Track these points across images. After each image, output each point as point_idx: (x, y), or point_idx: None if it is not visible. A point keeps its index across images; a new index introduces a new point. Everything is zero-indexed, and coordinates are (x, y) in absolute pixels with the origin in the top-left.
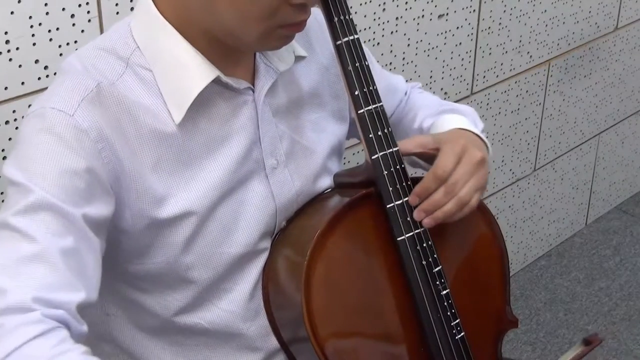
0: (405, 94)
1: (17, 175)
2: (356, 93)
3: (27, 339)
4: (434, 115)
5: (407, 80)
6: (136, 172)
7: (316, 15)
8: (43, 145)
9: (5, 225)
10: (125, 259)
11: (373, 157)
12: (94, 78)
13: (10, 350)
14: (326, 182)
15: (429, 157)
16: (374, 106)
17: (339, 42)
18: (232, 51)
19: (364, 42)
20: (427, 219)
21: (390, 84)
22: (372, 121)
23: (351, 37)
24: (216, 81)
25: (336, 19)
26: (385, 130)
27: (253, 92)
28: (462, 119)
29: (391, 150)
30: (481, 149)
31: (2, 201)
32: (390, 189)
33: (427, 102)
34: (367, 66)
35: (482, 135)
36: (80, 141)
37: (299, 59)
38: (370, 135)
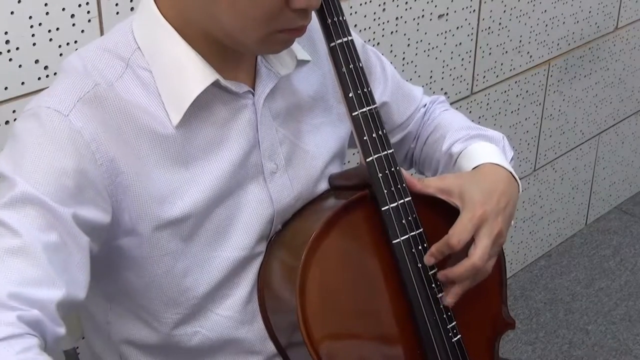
0: (425, 106)
1: (5, 169)
2: (350, 95)
3: None
4: (464, 140)
5: (407, 81)
6: (134, 173)
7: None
8: (34, 143)
9: None
10: (126, 270)
11: (368, 160)
12: (92, 79)
13: None
14: (326, 186)
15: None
16: (368, 108)
17: (332, 44)
18: (233, 54)
19: (365, 42)
20: (450, 297)
21: (404, 91)
22: (366, 123)
23: (345, 39)
24: (215, 84)
25: (330, 20)
26: (380, 133)
27: (253, 95)
28: (492, 148)
29: (386, 152)
30: (504, 207)
31: None
32: (385, 191)
33: (455, 123)
34: (361, 68)
35: (513, 170)
36: (73, 141)
37: (301, 62)
38: (365, 138)
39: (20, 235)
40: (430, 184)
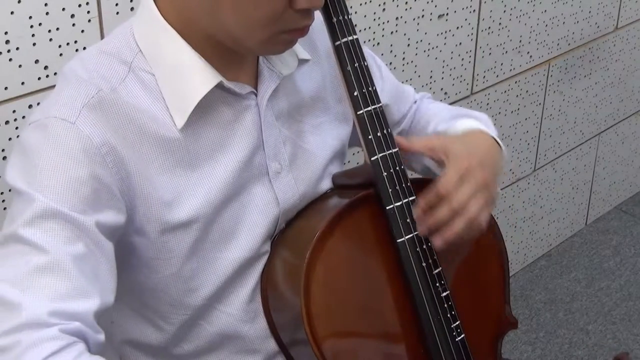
0: (415, 102)
1: (21, 186)
2: (355, 94)
3: (45, 356)
4: (448, 120)
5: (407, 81)
6: (142, 175)
7: (319, 17)
8: (46, 155)
9: (14, 237)
10: (135, 269)
11: (372, 159)
12: (94, 84)
13: None
14: (328, 185)
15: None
16: (373, 107)
17: (337, 43)
18: (235, 55)
19: (364, 42)
20: (438, 239)
21: (400, 91)
22: (371, 122)
23: (350, 38)
24: (219, 86)
25: (335, 19)
26: (385, 131)
27: (256, 96)
28: (476, 123)
29: (391, 151)
30: (489, 164)
31: (3, 201)
32: (390, 190)
33: (440, 110)
34: (367, 67)
35: (497, 137)
36: (83, 148)
37: (302, 62)
38: (370, 137)
39: (47, 251)
40: (415, 142)
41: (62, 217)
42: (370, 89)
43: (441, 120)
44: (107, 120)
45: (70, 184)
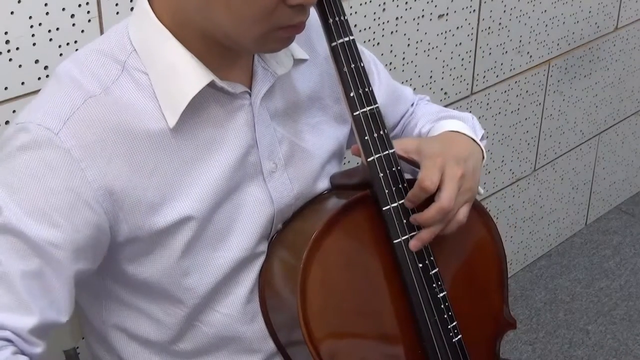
0: (412, 104)
1: None
2: (352, 95)
3: None
4: (433, 121)
5: (407, 81)
6: (129, 184)
7: (317, 16)
8: (24, 163)
9: None
10: (126, 261)
11: (369, 160)
12: (85, 90)
13: None
14: (325, 185)
15: (415, 162)
16: (369, 108)
17: (334, 44)
18: (230, 54)
19: (364, 42)
20: (414, 240)
21: (397, 93)
22: (367, 123)
23: (346, 39)
24: (211, 85)
25: (331, 20)
26: (381, 132)
27: (250, 96)
28: (459, 124)
29: (387, 152)
30: (463, 159)
31: None
32: (387, 191)
33: (427, 112)
34: (363, 67)
35: (476, 138)
36: (62, 161)
37: (299, 61)
38: (366, 138)
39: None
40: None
41: (21, 235)
42: (366, 89)
43: (426, 122)
44: (94, 131)
45: (43, 193)
